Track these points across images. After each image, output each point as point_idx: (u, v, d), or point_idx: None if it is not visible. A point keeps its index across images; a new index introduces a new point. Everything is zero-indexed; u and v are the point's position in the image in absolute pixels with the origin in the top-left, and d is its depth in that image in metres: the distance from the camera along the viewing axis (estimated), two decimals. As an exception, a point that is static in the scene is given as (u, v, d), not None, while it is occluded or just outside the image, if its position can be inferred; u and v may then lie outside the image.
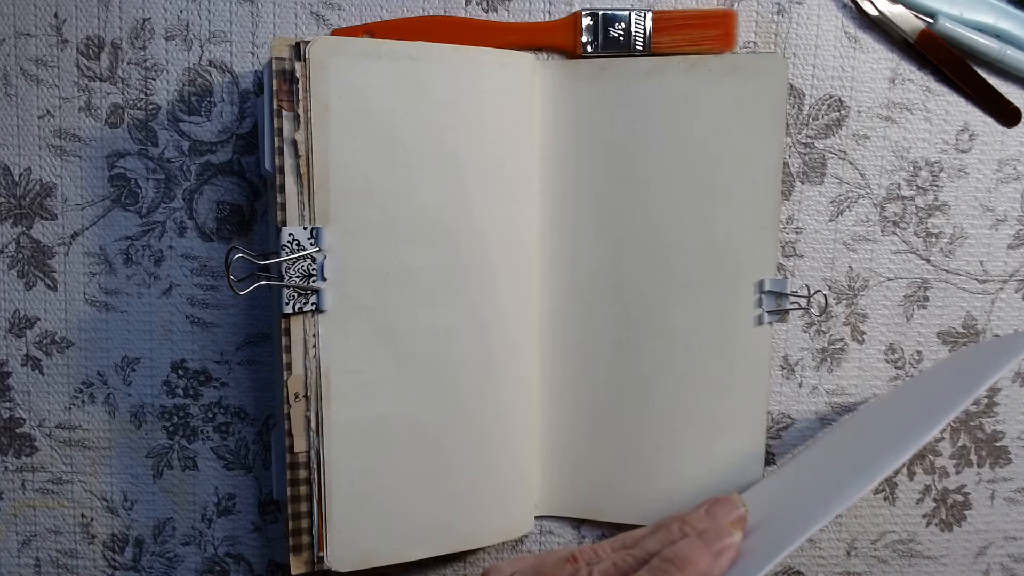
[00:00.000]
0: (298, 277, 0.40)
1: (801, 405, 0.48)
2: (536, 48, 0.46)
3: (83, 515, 0.48)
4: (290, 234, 0.40)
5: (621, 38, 0.45)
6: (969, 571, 0.49)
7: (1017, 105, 0.47)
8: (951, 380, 0.40)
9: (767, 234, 0.45)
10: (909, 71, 0.47)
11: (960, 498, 0.49)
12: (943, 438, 0.49)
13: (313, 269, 0.41)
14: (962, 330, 0.48)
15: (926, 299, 0.48)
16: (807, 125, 0.47)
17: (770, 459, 0.48)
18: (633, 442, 0.46)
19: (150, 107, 0.46)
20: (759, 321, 0.45)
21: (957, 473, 0.49)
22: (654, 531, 0.38)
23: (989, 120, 0.47)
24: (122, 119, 0.46)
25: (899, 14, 0.46)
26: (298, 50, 0.40)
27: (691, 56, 0.45)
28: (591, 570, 0.35)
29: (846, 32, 0.46)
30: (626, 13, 0.45)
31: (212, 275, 0.47)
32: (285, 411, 0.41)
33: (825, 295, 0.47)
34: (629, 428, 0.46)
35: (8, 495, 0.48)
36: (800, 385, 0.48)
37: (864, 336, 0.48)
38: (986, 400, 0.48)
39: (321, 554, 0.41)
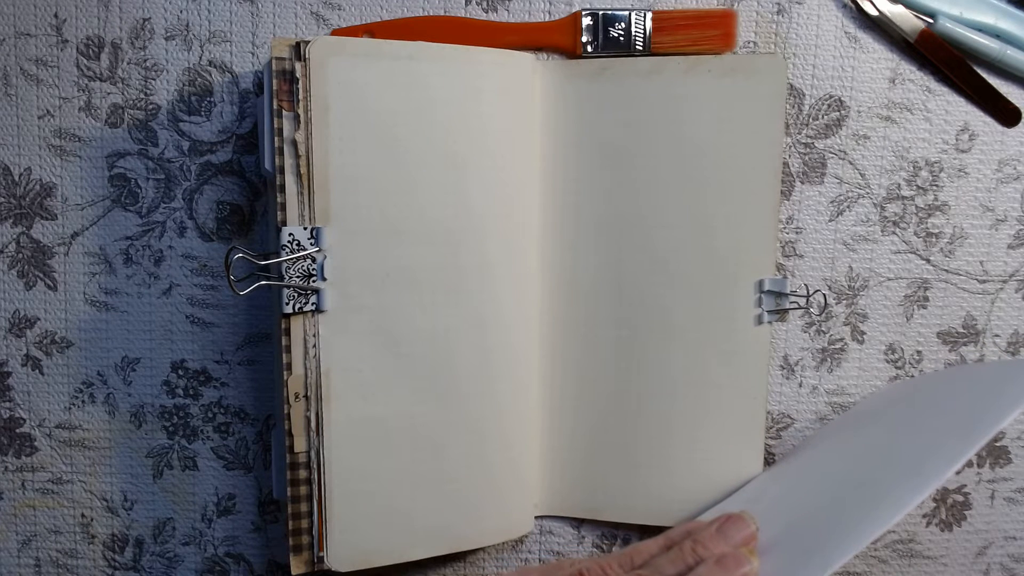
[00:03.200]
0: (298, 277, 0.40)
1: (801, 405, 0.48)
2: (536, 48, 0.46)
3: (83, 515, 0.48)
4: (290, 234, 0.40)
5: (621, 38, 0.45)
6: (969, 571, 0.49)
7: (1017, 105, 0.47)
8: (961, 407, 0.39)
9: (767, 234, 0.45)
10: (909, 71, 0.47)
11: (960, 498, 0.49)
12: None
13: (313, 269, 0.41)
14: (962, 330, 0.48)
15: (926, 299, 0.48)
16: (807, 125, 0.47)
17: (770, 459, 0.48)
18: (633, 442, 0.46)
19: (150, 107, 0.46)
20: (759, 321, 0.45)
21: (957, 473, 0.49)
22: (664, 547, 0.37)
23: (989, 120, 0.47)
24: (122, 119, 0.46)
25: (899, 14, 0.46)
26: (298, 50, 0.40)
27: (691, 56, 0.45)
28: None
29: (846, 32, 0.46)
30: (626, 13, 0.45)
31: (212, 275, 0.47)
32: (285, 411, 0.41)
33: (824, 294, 0.47)
34: (629, 428, 0.46)
35: (8, 495, 0.48)
36: (800, 385, 0.48)
37: (864, 336, 0.48)
38: (986, 400, 0.48)
39: (321, 554, 0.41)
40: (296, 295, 0.40)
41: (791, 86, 0.46)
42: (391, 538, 0.43)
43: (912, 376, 0.48)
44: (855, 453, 0.41)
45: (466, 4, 0.46)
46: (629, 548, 0.38)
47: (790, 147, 0.47)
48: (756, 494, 0.44)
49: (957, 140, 0.47)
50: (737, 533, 0.37)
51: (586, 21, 0.45)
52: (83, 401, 0.47)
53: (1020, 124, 0.47)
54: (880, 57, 0.47)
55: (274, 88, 0.40)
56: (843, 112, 0.47)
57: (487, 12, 0.46)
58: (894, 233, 0.47)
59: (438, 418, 0.43)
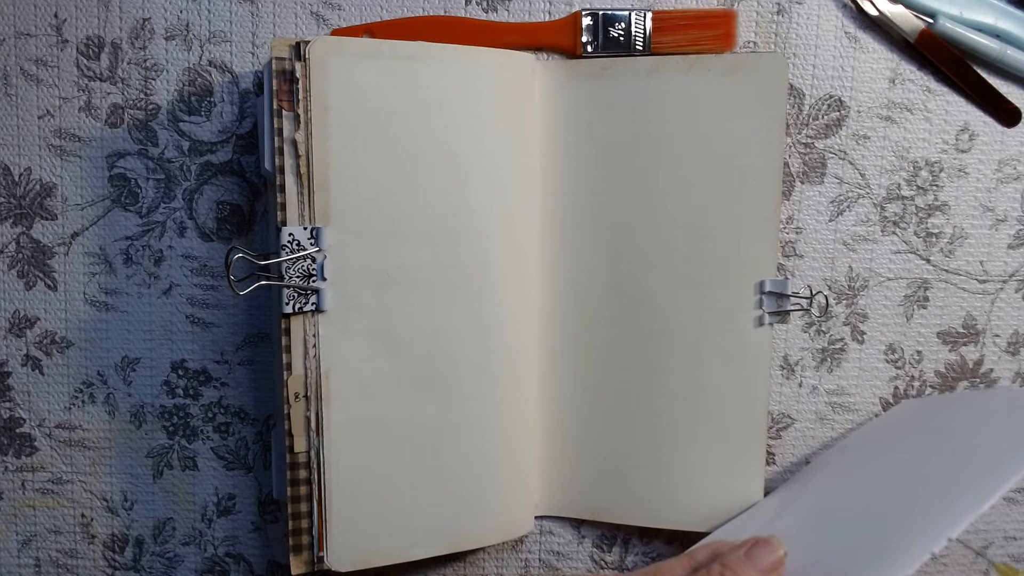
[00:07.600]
0: (298, 277, 0.40)
1: (801, 405, 0.48)
2: (536, 48, 0.46)
3: (83, 515, 0.48)
4: (290, 234, 0.40)
5: (621, 38, 0.45)
6: (969, 571, 0.49)
7: (1017, 105, 0.47)
8: (988, 441, 0.38)
9: (767, 234, 0.45)
10: (909, 71, 0.47)
11: (960, 498, 0.49)
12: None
13: (313, 269, 0.41)
14: (962, 330, 0.48)
15: (926, 299, 0.48)
16: (807, 125, 0.47)
17: (770, 459, 0.48)
18: (633, 442, 0.46)
19: (150, 107, 0.46)
20: (760, 322, 0.45)
21: (957, 473, 0.49)
22: (690, 569, 0.37)
23: (989, 120, 0.47)
24: (122, 119, 0.46)
25: (899, 14, 0.46)
26: (298, 50, 0.40)
27: (691, 56, 0.45)
28: None
29: (846, 32, 0.46)
30: (626, 13, 0.45)
31: (212, 275, 0.47)
32: (285, 411, 0.41)
33: (826, 296, 0.47)
34: (629, 428, 0.46)
35: (8, 495, 0.48)
36: (800, 385, 0.48)
37: (864, 336, 0.48)
38: (986, 400, 0.48)
39: (321, 554, 0.41)
40: (296, 295, 0.40)
41: (791, 86, 0.46)
42: (391, 538, 0.43)
43: (912, 376, 0.48)
44: (879, 482, 0.40)
45: (466, 4, 0.46)
46: (652, 567, 0.37)
47: (790, 147, 0.47)
48: (773, 514, 0.43)
49: (957, 140, 0.47)
50: (765, 558, 0.36)
51: (586, 21, 0.45)
52: (83, 401, 0.47)
53: (1020, 124, 0.47)
54: (880, 57, 0.47)
55: (274, 88, 0.40)
56: (843, 112, 0.47)
57: (487, 12, 0.46)
58: (894, 233, 0.47)
59: (438, 418, 0.43)
